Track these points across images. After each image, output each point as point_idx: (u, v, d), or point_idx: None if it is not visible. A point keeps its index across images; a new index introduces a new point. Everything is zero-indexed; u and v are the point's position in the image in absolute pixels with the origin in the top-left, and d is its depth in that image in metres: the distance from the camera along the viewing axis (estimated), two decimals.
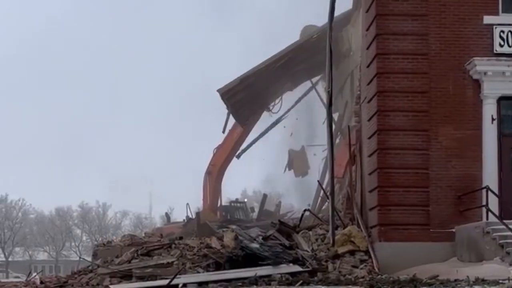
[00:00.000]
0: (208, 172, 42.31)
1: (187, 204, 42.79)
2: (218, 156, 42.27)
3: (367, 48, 21.22)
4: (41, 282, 20.36)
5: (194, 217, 37.99)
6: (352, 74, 31.42)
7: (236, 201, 46.38)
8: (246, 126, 41.18)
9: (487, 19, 20.05)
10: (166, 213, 56.01)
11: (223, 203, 43.65)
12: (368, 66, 21.14)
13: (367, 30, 21.33)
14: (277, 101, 41.06)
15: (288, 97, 41.40)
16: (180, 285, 17.50)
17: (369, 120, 20.99)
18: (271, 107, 41.31)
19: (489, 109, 20.01)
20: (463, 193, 19.68)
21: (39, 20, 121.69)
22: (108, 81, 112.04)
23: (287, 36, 40.41)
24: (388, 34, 20.06)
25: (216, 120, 41.68)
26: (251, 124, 41.55)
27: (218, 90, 37.82)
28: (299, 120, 41.84)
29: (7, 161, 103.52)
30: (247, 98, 38.61)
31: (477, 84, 20.04)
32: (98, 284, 19.01)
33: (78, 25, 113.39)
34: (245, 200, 51.64)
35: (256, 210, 42.56)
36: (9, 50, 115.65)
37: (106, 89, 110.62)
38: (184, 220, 42.19)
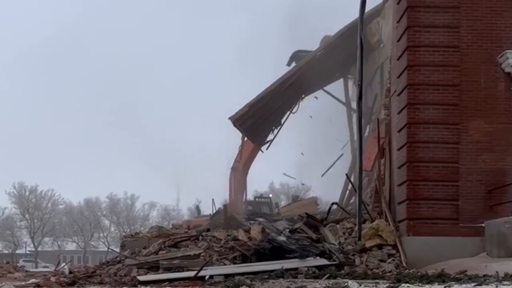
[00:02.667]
0: (234, 168, 42.32)
1: (213, 199, 42.95)
2: (243, 152, 42.26)
3: (398, 41, 21.03)
4: (70, 272, 20.47)
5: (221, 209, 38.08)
6: (382, 67, 31.20)
7: (261, 196, 46.36)
8: None
9: None
10: (197, 206, 56.05)
11: (248, 198, 43.65)
12: (398, 59, 20.95)
13: (397, 22, 21.14)
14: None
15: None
16: (206, 277, 17.48)
17: (399, 113, 20.82)
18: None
19: None
20: (493, 187, 19.43)
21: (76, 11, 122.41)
22: (133, 78, 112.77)
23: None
24: (419, 26, 19.83)
25: None
26: None
27: (229, 118, 38.13)
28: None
29: (37, 152, 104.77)
30: (260, 120, 38.64)
31: (509, 77, 19.73)
32: (125, 275, 19.07)
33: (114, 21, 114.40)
34: (270, 195, 51.65)
35: (281, 204, 42.54)
36: (52, 47, 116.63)
37: (132, 82, 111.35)
38: (211, 214, 42.30)
